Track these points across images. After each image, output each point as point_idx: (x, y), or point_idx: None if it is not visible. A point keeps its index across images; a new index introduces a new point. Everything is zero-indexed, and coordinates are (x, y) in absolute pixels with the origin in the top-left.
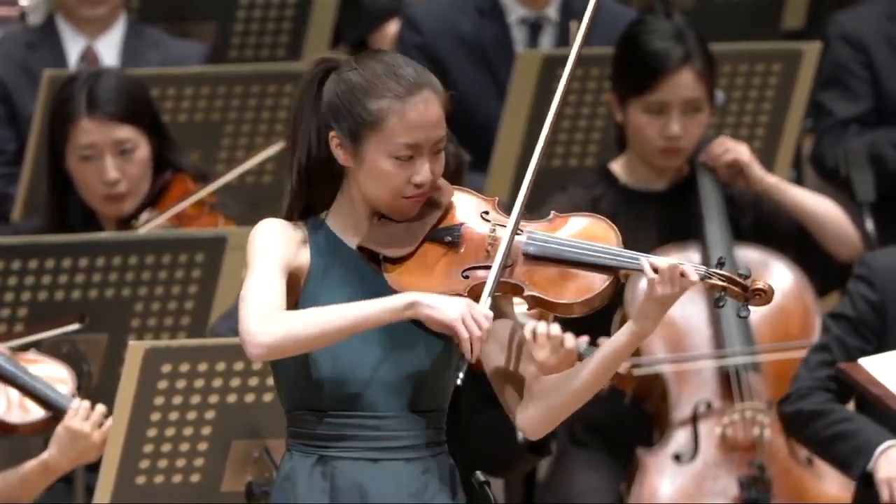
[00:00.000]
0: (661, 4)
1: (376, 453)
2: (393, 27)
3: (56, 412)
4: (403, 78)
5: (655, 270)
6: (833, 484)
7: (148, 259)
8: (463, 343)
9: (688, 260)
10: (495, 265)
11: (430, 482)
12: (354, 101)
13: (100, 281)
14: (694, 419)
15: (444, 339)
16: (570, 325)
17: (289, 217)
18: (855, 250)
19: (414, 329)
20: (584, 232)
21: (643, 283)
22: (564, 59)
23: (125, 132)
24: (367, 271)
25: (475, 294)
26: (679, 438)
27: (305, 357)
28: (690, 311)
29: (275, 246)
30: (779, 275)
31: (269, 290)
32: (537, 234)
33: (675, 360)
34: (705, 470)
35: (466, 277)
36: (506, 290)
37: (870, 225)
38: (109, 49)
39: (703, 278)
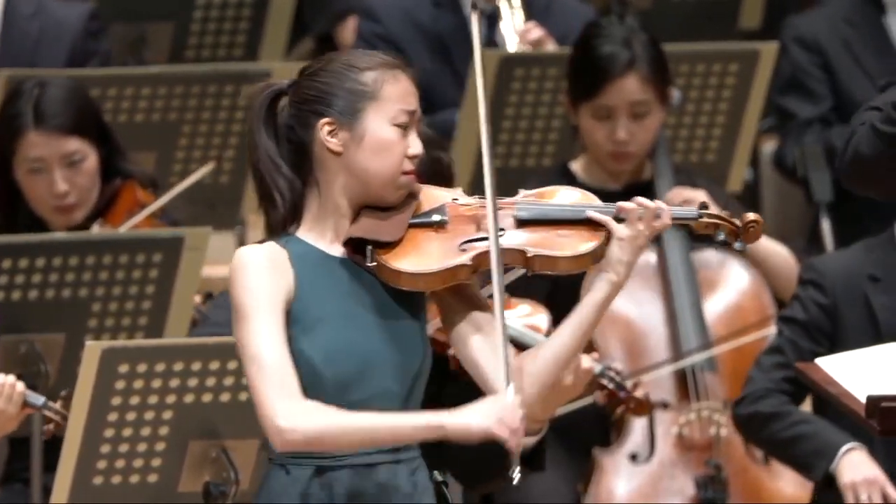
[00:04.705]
0: (617, 5)
1: (372, 457)
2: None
3: None
4: (383, 56)
5: (626, 213)
6: (790, 483)
7: (105, 259)
8: (509, 443)
9: (645, 262)
10: (491, 235)
11: (418, 482)
12: (346, 78)
13: (56, 281)
14: (650, 419)
15: (427, 340)
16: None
17: (278, 231)
18: None
19: (407, 333)
20: (561, 196)
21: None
22: (522, 58)
23: (73, 144)
24: (356, 274)
25: (479, 263)
26: (635, 438)
27: (306, 373)
28: (647, 311)
29: (267, 286)
30: (735, 274)
31: (280, 353)
32: (523, 200)
33: (635, 374)
34: (662, 470)
35: (464, 251)
36: (509, 258)
37: (826, 225)
38: None
39: (695, 218)
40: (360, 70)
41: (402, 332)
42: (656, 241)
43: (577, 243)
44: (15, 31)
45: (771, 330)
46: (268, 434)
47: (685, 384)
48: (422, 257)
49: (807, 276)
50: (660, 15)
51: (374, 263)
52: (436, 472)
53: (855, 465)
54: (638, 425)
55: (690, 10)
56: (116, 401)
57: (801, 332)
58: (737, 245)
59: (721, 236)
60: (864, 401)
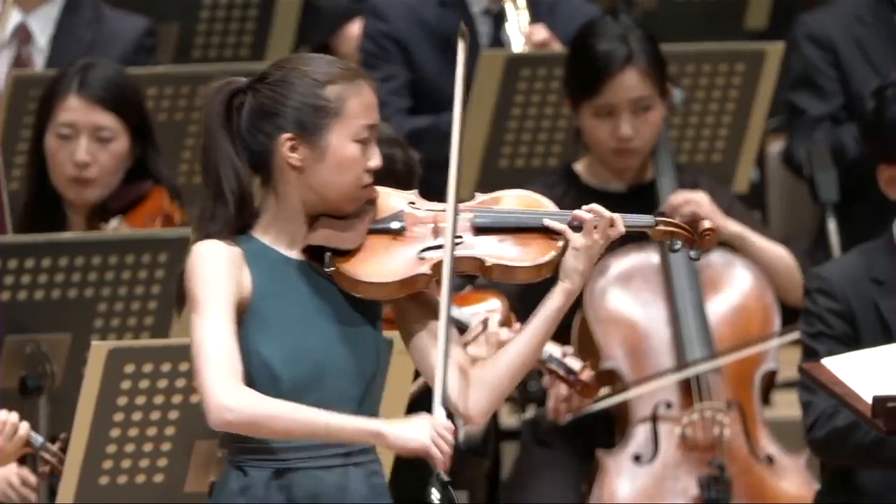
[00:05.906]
0: (623, 5)
1: (330, 460)
2: (354, 28)
3: None
4: (344, 65)
5: (581, 222)
6: (793, 483)
7: (111, 259)
8: (437, 463)
9: (647, 263)
10: (448, 240)
11: (375, 485)
12: (307, 92)
13: (62, 281)
14: (654, 420)
15: (382, 344)
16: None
17: (227, 229)
18: (800, 299)
19: (363, 337)
20: (518, 202)
21: (600, 281)
22: (528, 59)
23: (106, 119)
24: (313, 278)
25: (438, 272)
26: (639, 439)
27: (264, 374)
28: (650, 312)
29: (222, 280)
30: (739, 274)
31: (227, 344)
32: (479, 206)
33: (640, 383)
34: (665, 470)
35: (423, 259)
36: (466, 266)
37: (832, 225)
38: (44, 26)
39: (651, 226)
40: (322, 83)
41: (358, 336)
42: (659, 241)
43: (536, 253)
44: (70, 35)
45: (774, 341)
46: (208, 410)
47: (688, 385)
48: (380, 266)
49: (813, 285)
50: (666, 15)
51: (332, 269)
52: (440, 473)
53: None
54: (641, 427)
55: (696, 10)
56: (122, 401)
57: (834, 343)
58: (692, 253)
59: (677, 245)
60: (869, 401)
